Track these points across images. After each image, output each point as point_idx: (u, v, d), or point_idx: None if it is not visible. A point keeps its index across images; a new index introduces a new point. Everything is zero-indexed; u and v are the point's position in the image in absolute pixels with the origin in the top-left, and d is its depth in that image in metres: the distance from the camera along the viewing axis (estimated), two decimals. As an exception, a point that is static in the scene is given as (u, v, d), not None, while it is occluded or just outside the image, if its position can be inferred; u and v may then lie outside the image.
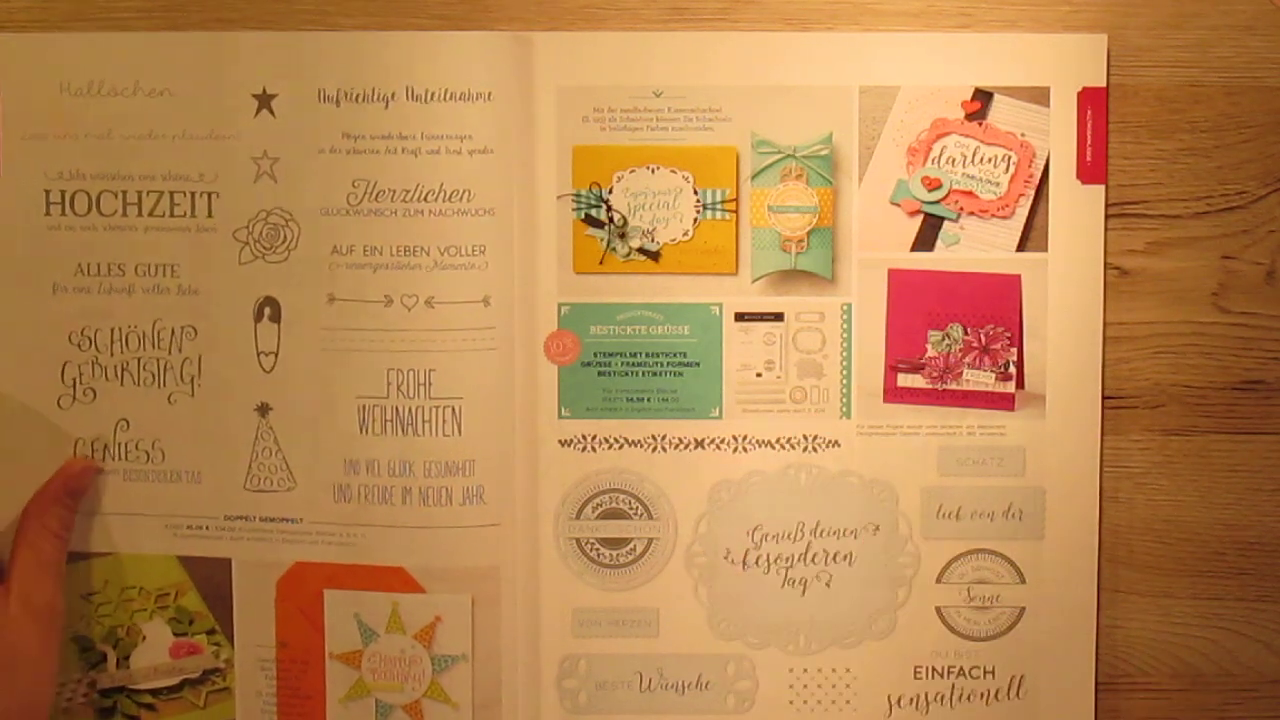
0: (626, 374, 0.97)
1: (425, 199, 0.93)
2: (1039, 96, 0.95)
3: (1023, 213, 0.95)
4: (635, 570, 0.98)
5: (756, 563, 0.98)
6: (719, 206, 0.95)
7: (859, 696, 0.99)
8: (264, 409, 0.96)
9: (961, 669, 0.98)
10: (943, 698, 0.98)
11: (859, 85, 0.95)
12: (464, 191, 0.93)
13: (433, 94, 0.93)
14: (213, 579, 0.98)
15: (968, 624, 0.98)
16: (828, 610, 0.98)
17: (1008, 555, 0.97)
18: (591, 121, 0.95)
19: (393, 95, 0.93)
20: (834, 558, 0.98)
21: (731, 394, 0.97)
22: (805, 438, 0.97)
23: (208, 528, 0.98)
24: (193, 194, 0.95)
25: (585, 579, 0.98)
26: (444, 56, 0.93)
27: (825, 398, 0.97)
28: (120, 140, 0.95)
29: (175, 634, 0.98)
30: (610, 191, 0.95)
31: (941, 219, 0.96)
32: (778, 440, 0.97)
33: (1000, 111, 0.95)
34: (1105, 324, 0.96)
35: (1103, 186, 0.95)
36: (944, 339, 0.96)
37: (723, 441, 0.97)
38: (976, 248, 0.96)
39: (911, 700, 0.99)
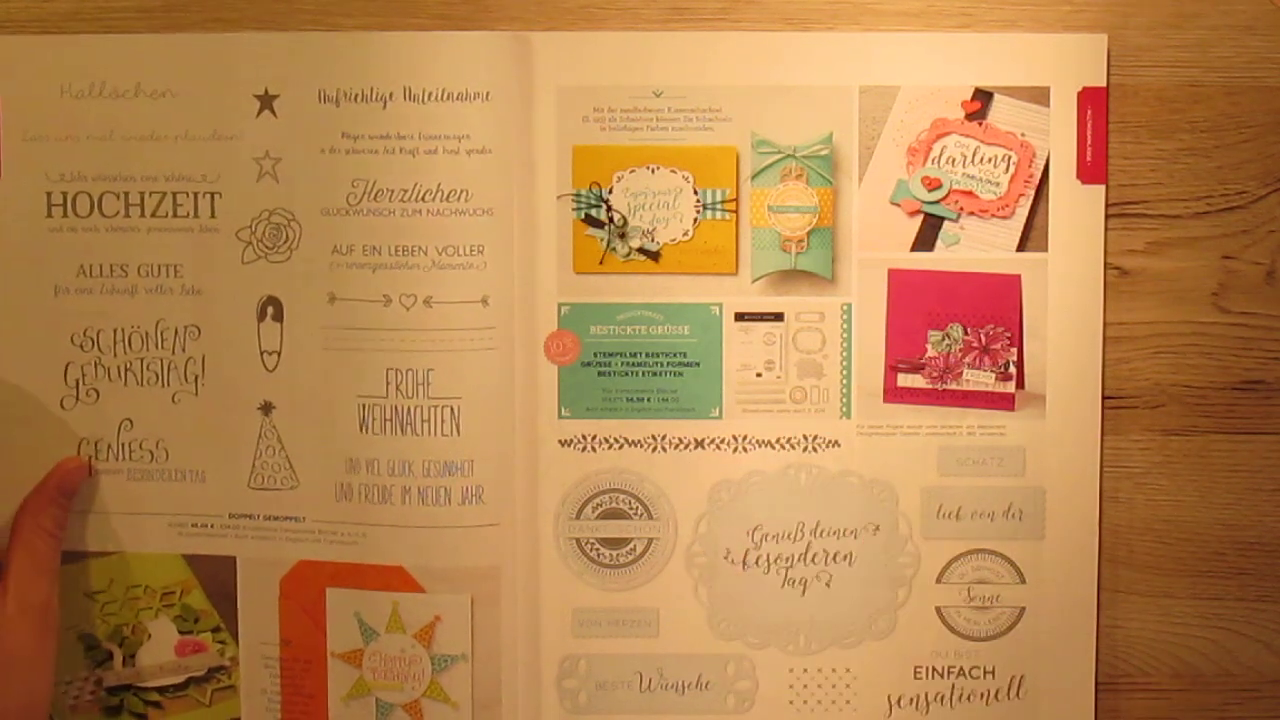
0: (626, 374, 0.97)
1: (424, 199, 0.93)
2: (1039, 96, 0.95)
3: (1023, 213, 0.95)
4: (635, 570, 0.98)
5: (756, 563, 0.98)
6: (719, 206, 0.95)
7: (859, 696, 0.99)
8: (267, 408, 0.96)
9: (961, 669, 0.98)
10: (943, 698, 0.98)
11: (859, 85, 0.95)
12: (462, 191, 0.93)
13: (432, 94, 0.93)
14: (217, 577, 0.98)
15: (968, 624, 0.98)
16: (828, 610, 0.98)
17: (1008, 555, 0.97)
18: (591, 121, 0.95)
19: (391, 95, 0.93)
20: (834, 558, 0.98)
21: (731, 394, 0.97)
22: (805, 438, 0.97)
23: (212, 526, 0.98)
24: (195, 194, 0.95)
25: (585, 579, 0.98)
26: (443, 56, 0.93)
27: (825, 398, 0.97)
28: (122, 141, 0.95)
29: (181, 632, 0.99)
30: (610, 191, 0.95)
31: (941, 219, 0.96)
32: (778, 440, 0.97)
33: (1000, 111, 0.95)
34: (1105, 324, 0.96)
35: (1103, 186, 0.95)
36: (944, 339, 0.96)
37: (723, 441, 0.97)
38: (976, 248, 0.96)
39: (911, 700, 0.99)
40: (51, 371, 0.97)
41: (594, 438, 0.97)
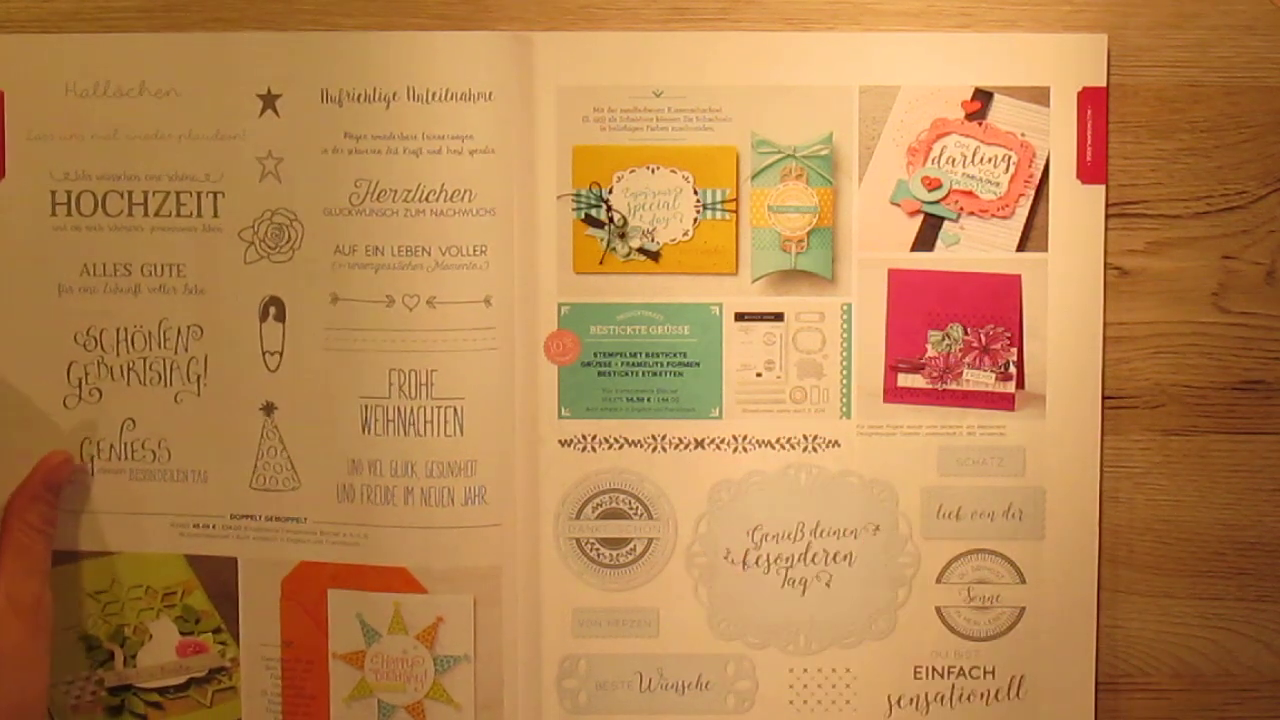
0: (626, 374, 0.97)
1: (426, 199, 0.94)
2: (1039, 96, 0.95)
3: (1023, 213, 0.95)
4: (635, 570, 0.98)
5: (756, 563, 0.98)
6: (719, 206, 0.95)
7: (859, 696, 0.98)
8: (269, 408, 0.96)
9: (961, 669, 0.98)
10: (943, 698, 0.98)
11: (859, 85, 0.95)
12: (465, 191, 0.93)
13: (433, 94, 0.93)
14: (219, 578, 0.98)
15: (968, 624, 0.98)
16: (828, 610, 0.98)
17: (1008, 555, 0.97)
18: (591, 121, 0.95)
19: (394, 95, 0.93)
20: (834, 558, 0.98)
21: (731, 394, 0.97)
22: (805, 438, 0.97)
23: (214, 527, 0.98)
24: (198, 194, 0.96)
25: (585, 579, 0.98)
26: (444, 56, 0.93)
27: (825, 398, 0.97)
28: (126, 141, 0.95)
29: (182, 633, 0.99)
30: (610, 191, 0.96)
31: (941, 219, 0.96)
32: (778, 440, 0.97)
33: (1000, 111, 0.95)
34: (1105, 324, 0.96)
35: (1103, 186, 0.95)
36: (944, 339, 0.96)
37: (723, 441, 0.97)
38: (976, 248, 0.96)
39: (911, 700, 0.98)
40: (54, 370, 0.97)
41: (594, 438, 0.97)
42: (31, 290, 0.96)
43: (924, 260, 0.96)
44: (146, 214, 0.96)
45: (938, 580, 0.98)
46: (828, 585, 0.98)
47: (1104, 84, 0.95)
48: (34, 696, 0.90)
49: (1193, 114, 0.95)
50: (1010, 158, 0.95)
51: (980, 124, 0.95)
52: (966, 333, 0.96)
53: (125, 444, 0.97)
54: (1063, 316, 0.96)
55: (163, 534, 0.98)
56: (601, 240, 0.96)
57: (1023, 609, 0.98)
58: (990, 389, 0.96)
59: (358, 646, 0.97)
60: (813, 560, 0.98)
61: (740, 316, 0.96)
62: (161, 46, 0.95)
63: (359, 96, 0.94)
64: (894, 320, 0.96)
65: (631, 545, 0.98)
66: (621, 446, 0.97)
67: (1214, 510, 0.97)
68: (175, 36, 0.95)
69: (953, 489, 0.97)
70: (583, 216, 0.96)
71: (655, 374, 0.97)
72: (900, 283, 0.96)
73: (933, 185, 0.95)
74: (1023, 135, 0.95)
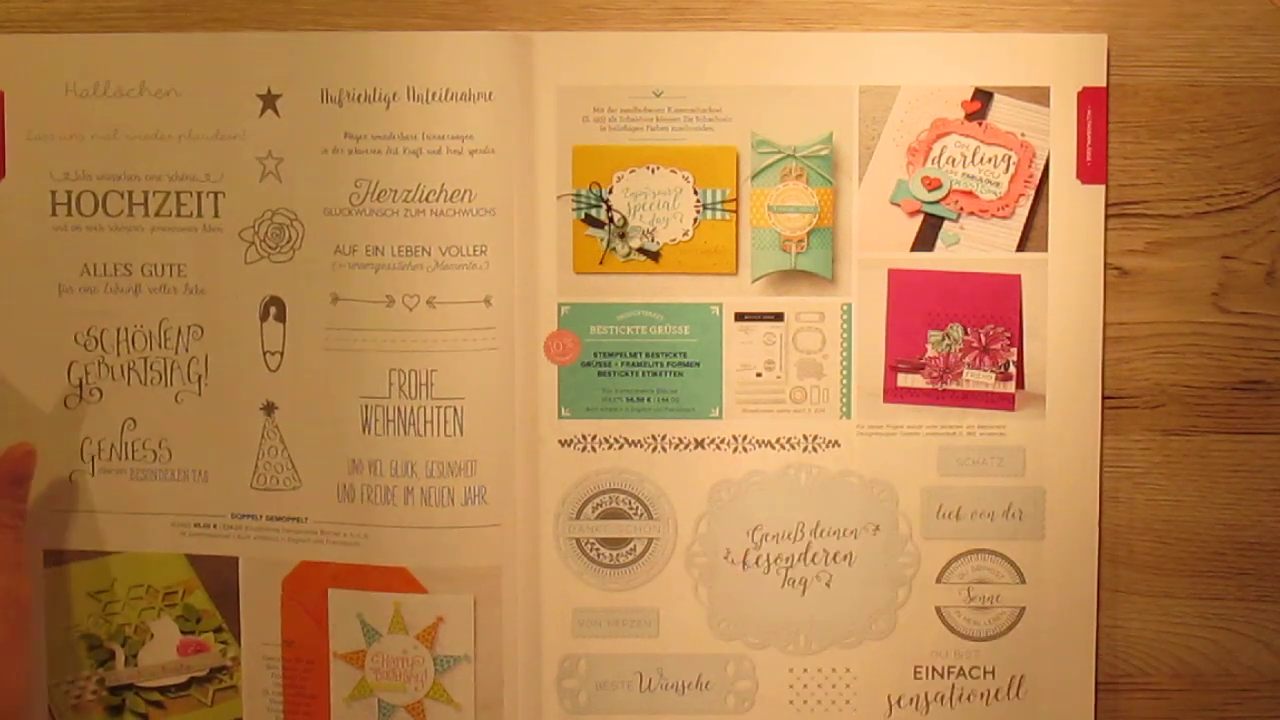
0: (626, 374, 0.97)
1: (427, 199, 0.94)
2: (1039, 96, 0.95)
3: (1023, 213, 0.95)
4: (635, 570, 0.98)
5: (756, 563, 0.98)
6: (719, 206, 0.95)
7: (859, 696, 0.98)
8: (270, 408, 0.97)
9: (961, 669, 0.98)
10: (943, 698, 0.98)
11: (859, 85, 0.95)
12: (465, 191, 0.94)
13: (434, 94, 0.93)
14: (220, 577, 0.99)
15: (968, 624, 0.98)
16: (828, 610, 0.98)
17: (1008, 555, 0.97)
18: (591, 121, 0.95)
19: (394, 95, 0.93)
20: (834, 558, 0.98)
21: (731, 394, 0.97)
22: (805, 438, 0.97)
23: (215, 526, 0.98)
24: (199, 194, 0.96)
25: (585, 579, 0.98)
26: (444, 56, 0.93)
27: (825, 398, 0.97)
28: (126, 141, 0.96)
29: (183, 632, 0.99)
30: (610, 191, 0.96)
31: (941, 219, 0.96)
32: (778, 440, 0.97)
33: (1000, 111, 0.95)
34: (1105, 324, 0.96)
35: (1103, 186, 0.95)
36: (944, 339, 0.96)
37: (723, 441, 0.97)
38: (976, 248, 0.96)
39: (911, 700, 0.98)
40: (55, 370, 0.97)
41: (594, 438, 0.97)
42: (32, 290, 0.96)
43: (924, 260, 0.96)
44: (147, 214, 0.96)
45: (938, 580, 0.98)
46: (828, 585, 0.98)
47: (1104, 84, 0.95)
48: (14, 687, 0.89)
49: (1193, 114, 0.95)
50: (1010, 158, 0.95)
51: (980, 124, 0.95)
52: (966, 333, 0.96)
53: (126, 444, 0.97)
54: (1063, 316, 0.96)
55: (163, 534, 0.98)
56: (601, 240, 0.96)
57: (1023, 609, 0.98)
58: (990, 389, 0.96)
59: (358, 646, 0.97)
60: (813, 560, 0.98)
61: (740, 316, 0.96)
62: (161, 46, 0.95)
63: (359, 96, 0.94)
64: (894, 320, 0.96)
65: (631, 545, 0.98)
66: (621, 446, 0.97)
67: (1214, 510, 0.97)
68: (175, 36, 0.95)
69: (953, 489, 0.97)
70: (583, 216, 0.96)
71: (655, 374, 0.97)
72: (900, 283, 0.96)
73: (933, 185, 0.95)
74: (1023, 135, 0.95)
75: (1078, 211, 0.95)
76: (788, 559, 0.98)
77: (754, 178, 0.95)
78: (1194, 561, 0.98)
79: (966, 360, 0.96)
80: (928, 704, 0.98)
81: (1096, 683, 0.98)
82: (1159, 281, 0.96)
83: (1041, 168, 0.95)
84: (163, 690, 0.99)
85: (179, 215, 0.96)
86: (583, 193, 0.96)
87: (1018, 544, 0.97)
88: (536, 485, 0.97)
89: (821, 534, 0.97)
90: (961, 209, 0.95)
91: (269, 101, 0.95)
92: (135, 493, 0.98)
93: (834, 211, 0.95)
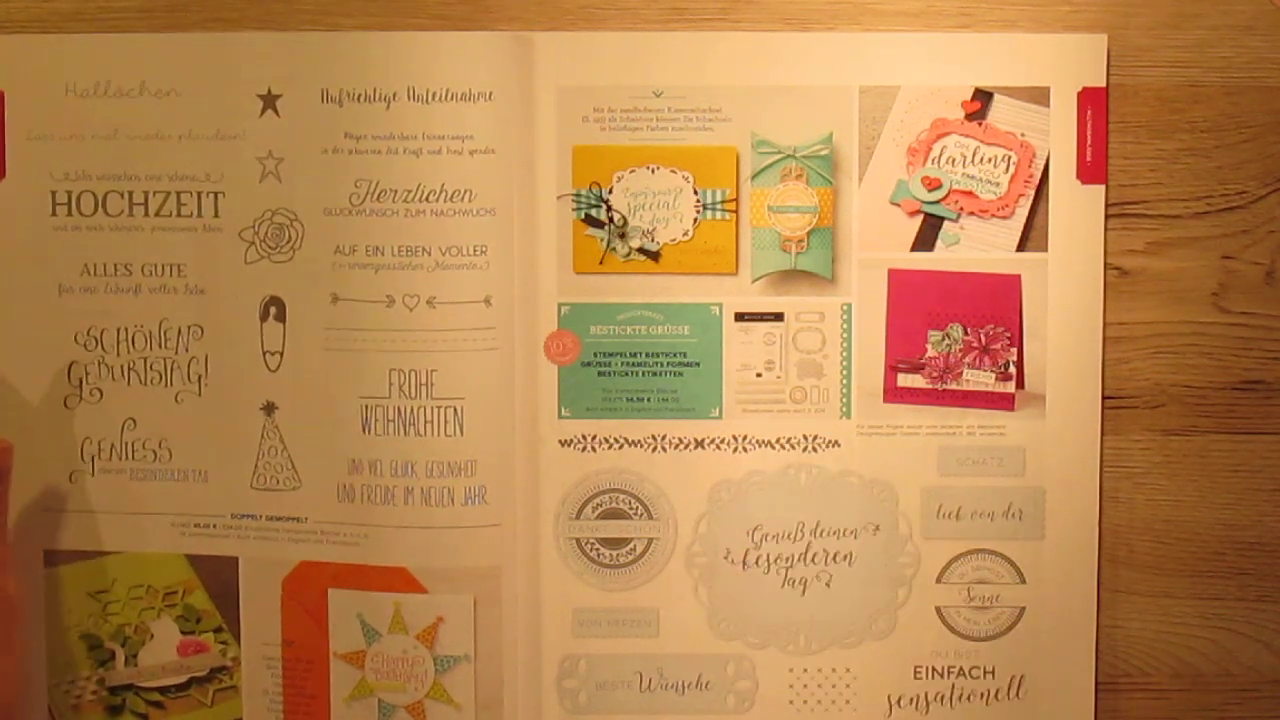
0: (626, 374, 0.97)
1: (427, 199, 0.94)
2: (1039, 96, 0.95)
3: (1023, 213, 0.95)
4: (635, 570, 0.98)
5: (756, 563, 0.98)
6: (719, 206, 0.95)
7: (859, 696, 0.98)
8: (270, 408, 0.97)
9: (961, 669, 0.98)
10: (943, 698, 0.98)
11: (859, 85, 0.95)
12: (465, 191, 0.94)
13: (434, 94, 0.93)
14: (220, 577, 0.99)
15: (968, 624, 0.98)
16: (828, 610, 0.98)
17: (1008, 555, 0.97)
18: (591, 121, 0.95)
19: (394, 95, 0.93)
20: (834, 558, 0.98)
21: (731, 394, 0.97)
22: (805, 438, 0.97)
23: (215, 526, 0.98)
24: (199, 194, 0.96)
25: (585, 579, 0.98)
26: (445, 56, 0.93)
27: (825, 398, 0.97)
28: (126, 141, 0.96)
29: (183, 632, 0.99)
30: (610, 191, 0.96)
31: (941, 219, 0.96)
32: (778, 440, 0.97)
33: (1000, 111, 0.95)
34: (1105, 324, 0.96)
35: (1103, 186, 0.95)
36: (944, 339, 0.96)
37: (723, 441, 0.97)
38: (976, 248, 0.96)
39: (911, 700, 0.98)
40: (55, 370, 0.97)
41: (594, 438, 0.97)
42: (32, 290, 0.96)
43: (924, 260, 0.96)
44: (147, 214, 0.96)
45: (938, 580, 0.98)
46: (828, 585, 0.98)
47: (1104, 84, 0.95)
48: (6, 690, 0.89)
49: (1193, 114, 0.95)
50: (1010, 158, 0.95)
51: (980, 124, 0.95)
52: (966, 333, 0.96)
53: (126, 444, 0.97)
54: (1063, 316, 0.96)
55: (163, 534, 0.98)
56: (601, 240, 0.96)
57: (1023, 609, 0.98)
58: (990, 389, 0.96)
59: (358, 646, 0.97)
60: (813, 560, 0.98)
61: (740, 316, 0.96)
62: (162, 46, 0.95)
63: (359, 96, 0.94)
64: (894, 320, 0.96)
65: (631, 545, 0.98)
66: (621, 446, 0.97)
67: (1214, 510, 0.97)
68: (175, 36, 0.95)
69: (953, 489, 0.97)
70: (583, 216, 0.96)
71: (655, 374, 0.97)
72: (900, 283, 0.96)
73: (933, 185, 0.95)
74: (1023, 135, 0.95)
75: (1078, 211, 0.95)
76: (788, 559, 0.98)
77: (754, 178, 0.95)
78: (1194, 561, 0.98)
79: (966, 360, 0.96)
80: (928, 704, 0.98)
81: (1096, 683, 0.98)
82: (1159, 281, 0.96)
83: (1041, 168, 0.95)
84: (163, 690, 0.99)
85: (179, 215, 0.96)
86: (583, 193, 0.96)
87: (1018, 544, 0.97)
88: (536, 485, 0.97)
89: (821, 534, 0.97)
90: (961, 209, 0.95)
91: (269, 101, 0.95)
92: (135, 493, 0.98)
93: (834, 211, 0.95)
